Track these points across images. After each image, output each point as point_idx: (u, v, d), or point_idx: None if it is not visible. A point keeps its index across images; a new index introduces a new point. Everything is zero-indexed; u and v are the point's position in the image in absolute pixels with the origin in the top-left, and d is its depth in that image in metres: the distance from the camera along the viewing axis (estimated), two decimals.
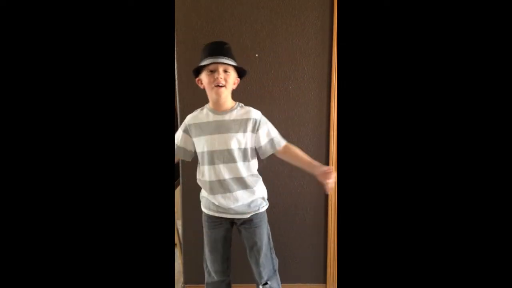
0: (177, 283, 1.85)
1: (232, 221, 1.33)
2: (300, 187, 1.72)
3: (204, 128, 1.27)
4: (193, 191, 1.69)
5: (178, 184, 1.76)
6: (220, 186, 1.25)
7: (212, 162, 1.25)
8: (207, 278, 1.39)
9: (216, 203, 1.29)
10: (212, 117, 1.26)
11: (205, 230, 1.37)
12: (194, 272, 1.78)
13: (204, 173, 1.28)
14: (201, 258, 1.74)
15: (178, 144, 1.33)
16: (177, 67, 1.62)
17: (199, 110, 1.33)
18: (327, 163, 1.69)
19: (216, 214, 1.31)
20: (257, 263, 1.33)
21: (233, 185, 1.25)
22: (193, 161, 1.68)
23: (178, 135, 1.34)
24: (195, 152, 1.32)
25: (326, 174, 1.17)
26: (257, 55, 1.62)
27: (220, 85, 1.20)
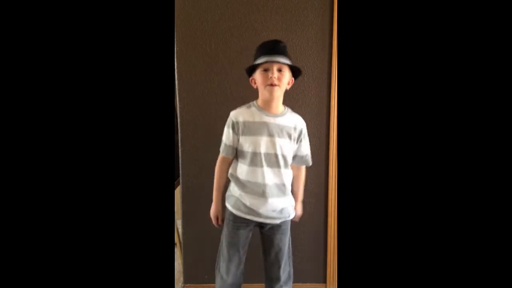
0: (177, 283, 1.85)
1: (260, 225, 1.29)
2: None
3: (252, 128, 1.21)
4: (193, 190, 1.70)
5: (178, 183, 1.76)
6: (258, 188, 1.22)
7: (258, 164, 1.21)
8: (218, 278, 1.34)
9: (248, 204, 1.24)
10: (263, 117, 1.22)
11: (227, 229, 1.31)
12: (194, 271, 1.78)
13: (243, 173, 1.24)
14: (201, 257, 1.74)
15: (228, 143, 1.27)
16: (177, 67, 1.62)
17: (244, 107, 1.27)
18: (327, 162, 1.70)
19: (246, 216, 1.26)
20: (279, 268, 1.32)
21: (272, 189, 1.22)
22: (194, 161, 1.69)
23: (228, 134, 1.26)
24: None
25: (297, 214, 1.38)
26: None
27: (274, 84, 1.16)
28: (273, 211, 1.25)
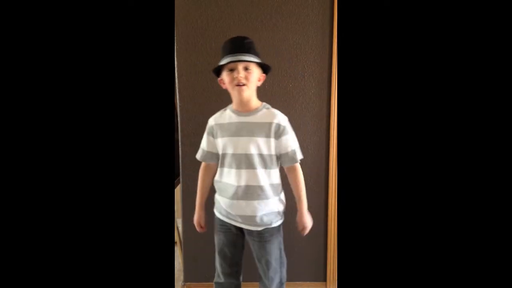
0: (177, 281, 1.86)
1: (241, 229, 1.25)
2: None
3: (225, 129, 1.19)
4: (193, 189, 1.70)
5: (178, 182, 1.76)
6: (234, 192, 1.17)
7: (230, 166, 1.18)
8: (215, 277, 1.34)
9: (224, 207, 1.23)
10: (234, 118, 1.19)
11: (215, 231, 1.31)
12: (194, 270, 1.78)
13: (222, 176, 1.22)
14: (201, 256, 1.74)
15: (205, 149, 1.27)
16: (177, 66, 1.62)
17: (222, 110, 1.26)
18: (327, 162, 1.70)
19: (225, 219, 1.25)
20: (265, 275, 1.26)
21: (247, 193, 1.16)
22: (194, 160, 1.69)
23: (204, 139, 1.28)
24: None
25: (302, 227, 1.26)
26: None
27: (241, 84, 1.12)
28: (251, 216, 1.18)
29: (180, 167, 1.71)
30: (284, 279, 1.31)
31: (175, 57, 1.61)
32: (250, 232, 1.23)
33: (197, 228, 1.36)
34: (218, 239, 1.30)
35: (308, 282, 1.81)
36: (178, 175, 1.75)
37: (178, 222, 1.88)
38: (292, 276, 1.80)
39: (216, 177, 1.26)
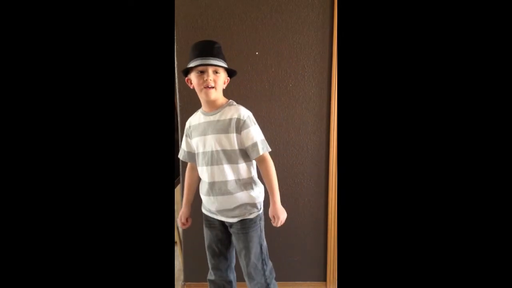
0: (177, 281, 1.86)
1: (224, 224, 1.31)
2: (300, 184, 1.72)
3: (196, 130, 1.27)
4: None
5: (178, 182, 1.76)
6: (209, 188, 1.24)
7: (202, 164, 1.25)
8: (208, 275, 1.39)
9: (204, 203, 1.31)
10: (202, 118, 1.26)
11: (204, 228, 1.39)
12: (194, 270, 1.79)
13: (200, 174, 1.29)
14: (201, 256, 1.74)
15: (184, 149, 1.36)
16: (177, 66, 1.62)
17: (196, 112, 1.33)
18: (327, 161, 1.70)
19: (208, 214, 1.33)
20: (245, 273, 1.29)
21: (217, 188, 1.22)
22: None
23: (183, 140, 1.36)
24: None
25: (273, 217, 1.26)
26: (257, 53, 1.62)
27: (210, 86, 1.18)
28: (226, 209, 1.24)
29: (180, 167, 1.71)
30: (271, 282, 1.30)
31: (175, 57, 1.61)
32: (230, 225, 1.29)
33: (179, 224, 1.43)
34: (205, 235, 1.37)
35: (308, 282, 1.82)
36: (178, 175, 1.75)
37: (178, 221, 1.88)
38: (292, 275, 1.80)
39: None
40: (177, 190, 1.78)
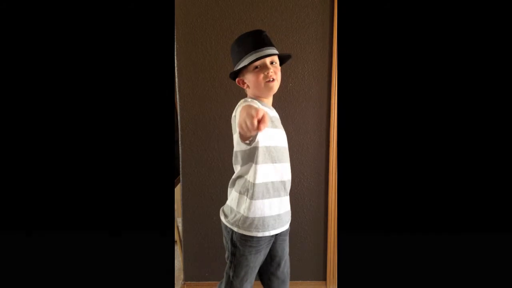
0: (177, 281, 1.86)
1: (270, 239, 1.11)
2: (300, 184, 1.72)
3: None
4: (193, 189, 1.70)
5: (178, 181, 1.76)
6: (282, 186, 1.08)
7: (268, 160, 1.05)
8: None
9: (276, 210, 1.08)
10: (269, 112, 1.08)
11: (245, 255, 1.07)
12: (194, 269, 1.79)
13: (265, 172, 1.05)
14: (201, 255, 1.74)
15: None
16: (177, 65, 1.62)
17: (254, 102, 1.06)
18: (327, 161, 1.70)
19: (266, 234, 1.06)
20: (281, 279, 1.19)
21: (288, 187, 1.12)
22: (194, 159, 1.69)
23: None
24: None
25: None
26: None
27: (273, 79, 1.03)
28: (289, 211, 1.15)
29: (180, 167, 1.71)
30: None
31: (175, 57, 1.61)
32: (281, 233, 1.13)
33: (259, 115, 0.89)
34: (252, 262, 1.08)
35: (308, 281, 1.82)
36: (178, 174, 1.75)
37: (178, 221, 1.89)
38: (292, 275, 1.80)
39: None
40: (177, 189, 1.78)
